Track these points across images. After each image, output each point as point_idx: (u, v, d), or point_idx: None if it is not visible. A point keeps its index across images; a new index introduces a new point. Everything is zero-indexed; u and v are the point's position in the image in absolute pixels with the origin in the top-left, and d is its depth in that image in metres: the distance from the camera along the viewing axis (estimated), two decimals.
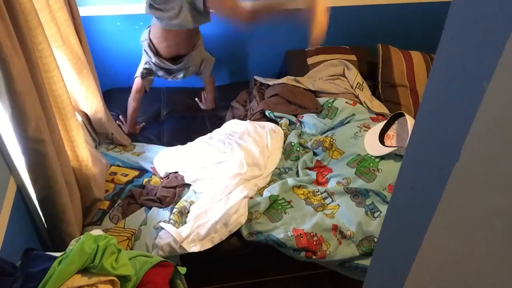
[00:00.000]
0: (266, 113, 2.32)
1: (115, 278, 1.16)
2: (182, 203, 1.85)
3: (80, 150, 1.67)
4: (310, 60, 2.59)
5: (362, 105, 2.34)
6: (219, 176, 1.94)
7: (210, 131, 2.23)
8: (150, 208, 1.86)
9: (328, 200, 1.88)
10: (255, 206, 1.80)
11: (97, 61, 2.20)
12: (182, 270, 1.39)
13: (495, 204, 0.56)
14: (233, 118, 2.35)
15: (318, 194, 1.91)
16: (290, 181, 1.93)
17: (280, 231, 1.71)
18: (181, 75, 2.23)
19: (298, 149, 2.12)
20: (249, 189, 1.86)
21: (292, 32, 2.65)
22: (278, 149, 2.11)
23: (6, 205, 1.35)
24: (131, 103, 2.26)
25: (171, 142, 2.24)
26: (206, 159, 2.02)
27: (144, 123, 2.41)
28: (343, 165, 1.97)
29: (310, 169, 2.05)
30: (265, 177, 1.98)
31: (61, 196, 1.50)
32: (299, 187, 1.93)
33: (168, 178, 1.99)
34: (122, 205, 1.86)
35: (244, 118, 2.35)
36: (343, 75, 2.50)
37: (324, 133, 2.22)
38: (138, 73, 2.21)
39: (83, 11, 2.24)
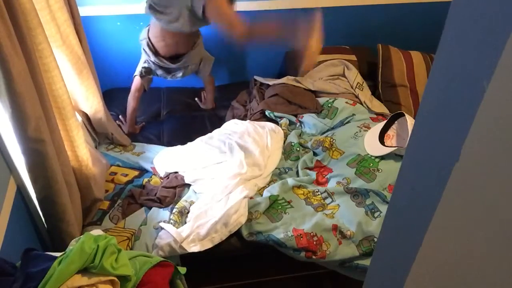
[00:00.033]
0: (266, 113, 2.32)
1: (115, 278, 1.16)
2: (182, 203, 1.85)
3: (80, 150, 1.67)
4: None
5: (362, 105, 2.34)
6: (219, 176, 1.94)
7: (210, 131, 2.23)
8: (150, 208, 1.86)
9: (328, 200, 1.88)
10: (255, 206, 1.80)
11: (97, 61, 2.20)
12: (182, 270, 1.39)
13: (495, 204, 0.56)
14: (233, 118, 2.35)
15: (318, 194, 1.91)
16: (290, 181, 1.93)
17: (280, 231, 1.71)
18: (180, 74, 2.23)
19: (298, 149, 2.12)
20: (249, 189, 1.86)
21: None
22: (278, 149, 2.11)
23: (6, 205, 1.35)
24: (131, 102, 2.26)
25: (171, 142, 2.24)
26: (206, 159, 2.02)
27: (143, 123, 2.41)
28: (343, 165, 1.97)
29: (310, 169, 2.05)
30: (265, 177, 1.98)
31: (61, 196, 1.50)
32: (299, 187, 1.93)
33: (168, 178, 1.99)
34: (122, 205, 1.86)
35: (244, 118, 2.35)
36: (343, 75, 2.50)
37: (324, 133, 2.22)
38: (137, 72, 2.21)
39: (83, 11, 2.24)
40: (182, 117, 2.46)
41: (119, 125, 2.30)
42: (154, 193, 1.91)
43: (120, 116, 2.38)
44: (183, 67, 2.20)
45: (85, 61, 1.85)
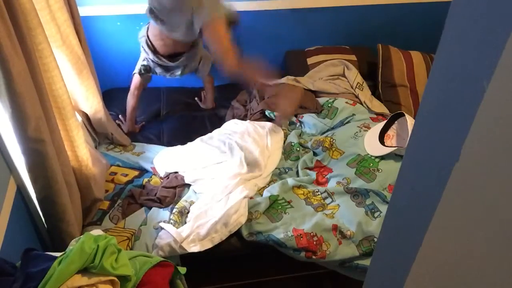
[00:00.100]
0: (266, 113, 2.32)
1: (115, 278, 1.16)
2: (182, 203, 1.85)
3: (80, 150, 1.67)
4: (310, 60, 2.59)
5: (362, 105, 2.34)
6: (219, 176, 1.94)
7: (210, 131, 2.23)
8: (150, 208, 1.86)
9: (328, 200, 1.88)
10: (255, 206, 1.80)
11: (97, 61, 2.20)
12: (182, 270, 1.39)
13: (495, 204, 0.56)
14: (233, 117, 2.35)
15: (318, 194, 1.91)
16: (290, 181, 1.93)
17: (280, 231, 1.71)
18: (178, 72, 2.22)
19: (298, 149, 2.12)
20: (249, 189, 1.86)
21: (292, 32, 2.65)
22: (278, 149, 2.11)
23: (6, 205, 1.35)
24: (130, 100, 2.26)
25: (171, 141, 2.24)
26: (206, 159, 2.02)
27: (143, 122, 2.41)
28: (343, 165, 1.97)
29: (310, 169, 2.05)
30: (265, 177, 1.98)
31: (61, 196, 1.50)
32: (299, 187, 1.93)
33: (168, 178, 1.99)
34: (122, 205, 1.86)
35: (244, 118, 2.35)
36: (343, 75, 2.50)
37: (324, 133, 2.22)
38: (137, 69, 2.21)
39: (83, 11, 2.24)
40: (182, 117, 2.46)
41: (118, 125, 2.30)
42: (154, 193, 1.91)
43: (120, 116, 2.38)
44: (181, 65, 2.20)
45: (85, 61, 1.85)
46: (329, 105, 2.30)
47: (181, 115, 2.48)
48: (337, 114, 2.25)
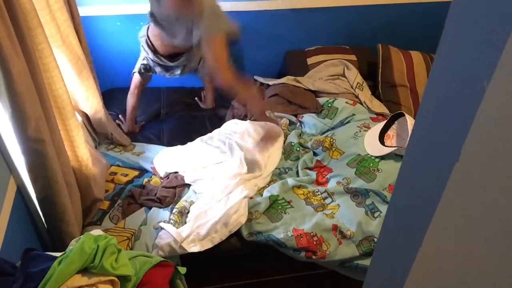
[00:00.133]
0: (266, 113, 2.31)
1: (115, 278, 1.16)
2: (182, 203, 1.85)
3: (80, 150, 1.67)
4: (310, 60, 2.59)
5: (362, 105, 2.34)
6: (219, 176, 1.94)
7: (210, 131, 2.23)
8: (150, 208, 1.86)
9: (328, 200, 1.88)
10: (255, 206, 1.80)
11: (97, 61, 2.20)
12: (182, 270, 1.39)
13: (495, 204, 0.56)
14: (233, 117, 2.35)
15: (318, 194, 1.91)
16: (290, 181, 1.93)
17: (280, 231, 1.71)
18: (178, 72, 2.22)
19: (298, 149, 2.12)
20: (249, 189, 1.86)
21: (292, 32, 2.65)
22: (278, 149, 2.11)
23: (6, 205, 1.35)
24: (130, 99, 2.26)
25: (171, 141, 2.24)
26: (206, 159, 2.02)
27: (143, 122, 2.41)
28: (343, 165, 1.97)
29: (310, 169, 2.05)
30: (265, 177, 1.98)
31: (61, 196, 1.50)
32: (299, 187, 1.93)
33: (168, 178, 1.99)
34: (122, 205, 1.86)
35: (244, 118, 2.35)
36: (343, 75, 2.50)
37: (324, 133, 2.22)
38: (136, 68, 2.21)
39: (83, 11, 2.24)
40: (182, 117, 2.46)
41: (118, 125, 2.30)
42: (154, 193, 1.91)
43: (119, 116, 2.38)
44: (181, 65, 2.20)
45: (85, 61, 1.85)
46: (329, 105, 2.30)
47: (181, 115, 2.48)
48: (337, 114, 2.25)
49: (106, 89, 2.54)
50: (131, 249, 1.69)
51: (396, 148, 1.90)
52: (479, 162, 0.51)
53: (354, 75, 2.45)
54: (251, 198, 1.86)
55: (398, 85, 2.47)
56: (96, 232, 1.30)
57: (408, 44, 2.63)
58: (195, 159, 2.01)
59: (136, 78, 2.23)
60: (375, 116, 2.24)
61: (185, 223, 1.77)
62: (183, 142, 2.16)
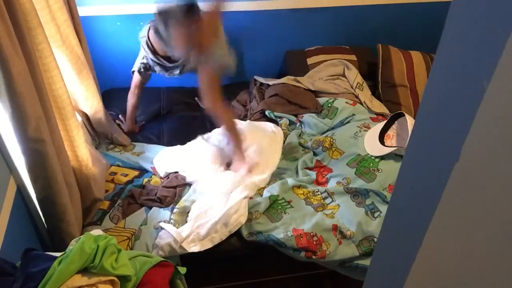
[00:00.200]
0: (266, 113, 2.32)
1: (115, 278, 1.16)
2: (182, 203, 1.85)
3: (80, 150, 1.67)
4: (310, 60, 2.59)
5: (362, 105, 2.34)
6: (219, 176, 1.94)
7: (210, 131, 2.23)
8: (150, 208, 1.86)
9: (328, 200, 1.88)
10: (255, 206, 1.80)
11: (97, 61, 2.20)
12: (182, 270, 1.39)
13: (495, 204, 0.56)
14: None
15: (318, 194, 1.91)
16: (290, 181, 1.93)
17: (280, 231, 1.71)
18: (177, 72, 2.23)
19: (297, 149, 2.12)
20: (249, 189, 1.86)
21: (292, 32, 2.65)
22: (278, 149, 2.11)
23: (6, 205, 1.35)
24: (131, 99, 2.26)
25: (171, 141, 2.24)
26: (206, 159, 2.02)
27: (143, 122, 2.41)
28: (343, 165, 1.97)
29: (310, 169, 2.05)
30: (265, 177, 1.98)
31: (61, 196, 1.50)
32: (299, 187, 1.93)
33: (168, 178, 1.99)
34: (122, 205, 1.86)
35: (244, 118, 2.35)
36: (343, 75, 2.50)
37: (324, 133, 2.22)
38: (136, 67, 2.21)
39: (83, 11, 2.24)
40: (182, 117, 2.46)
41: (118, 125, 2.30)
42: (154, 193, 1.91)
43: (119, 116, 2.38)
44: (180, 65, 2.20)
45: (85, 61, 1.85)
46: (329, 105, 2.30)
47: (181, 115, 2.48)
48: (337, 114, 2.25)
49: (106, 89, 2.54)
50: (131, 248, 1.69)
51: (396, 148, 1.90)
52: (479, 162, 0.51)
53: (354, 75, 2.45)
54: (251, 198, 1.86)
55: (398, 85, 2.47)
56: (96, 232, 1.30)
57: (408, 44, 2.63)
58: (195, 159, 2.01)
59: (136, 78, 2.23)
60: (375, 116, 2.24)
61: (186, 222, 1.77)
62: (183, 142, 2.16)
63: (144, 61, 2.17)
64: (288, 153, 2.12)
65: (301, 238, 1.69)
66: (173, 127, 2.38)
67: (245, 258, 1.89)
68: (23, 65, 1.25)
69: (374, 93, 2.51)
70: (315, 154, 2.12)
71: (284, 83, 2.42)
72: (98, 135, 2.16)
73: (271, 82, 2.48)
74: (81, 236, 1.22)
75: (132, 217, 1.82)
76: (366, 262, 1.70)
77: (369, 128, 2.07)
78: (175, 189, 1.93)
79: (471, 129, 0.48)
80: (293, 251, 1.70)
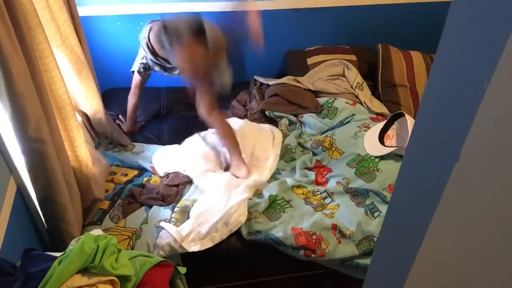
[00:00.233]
0: (266, 113, 2.32)
1: (115, 278, 1.16)
2: (183, 202, 1.85)
3: (80, 150, 1.67)
4: (310, 60, 2.59)
5: (362, 105, 2.34)
6: (218, 176, 1.94)
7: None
8: (150, 207, 1.86)
9: (328, 200, 1.88)
10: (255, 205, 1.80)
11: (97, 61, 2.20)
12: (182, 270, 1.39)
13: (495, 204, 0.56)
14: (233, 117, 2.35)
15: (318, 194, 1.91)
16: (289, 181, 1.93)
17: (279, 230, 1.72)
18: (176, 72, 2.23)
19: (294, 150, 2.12)
20: (249, 190, 1.86)
21: (292, 32, 2.65)
22: (277, 151, 2.11)
23: (6, 205, 1.35)
24: (131, 99, 2.26)
25: (171, 141, 2.24)
26: (204, 158, 2.02)
27: (143, 122, 2.41)
28: (343, 165, 1.97)
29: (310, 169, 2.05)
30: (265, 178, 1.97)
31: (61, 196, 1.50)
32: (298, 186, 1.93)
33: (167, 177, 1.99)
34: (123, 204, 1.86)
35: (244, 118, 2.35)
36: (343, 75, 2.50)
37: (324, 133, 2.22)
38: (136, 67, 2.21)
39: (83, 11, 2.24)
40: (182, 117, 2.46)
41: (118, 125, 2.30)
42: (155, 192, 1.91)
43: (120, 116, 2.38)
44: None
45: (85, 61, 1.85)
46: (329, 105, 2.30)
47: (181, 115, 2.48)
48: (337, 114, 2.25)
49: (106, 89, 2.54)
50: (132, 248, 1.69)
51: (396, 148, 1.90)
52: (479, 162, 0.51)
53: (354, 75, 2.45)
54: (250, 199, 1.86)
55: (398, 85, 2.47)
56: (96, 232, 1.30)
57: (408, 44, 2.63)
58: (194, 158, 2.02)
59: (136, 77, 2.23)
60: (375, 116, 2.24)
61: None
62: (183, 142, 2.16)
63: (144, 61, 2.17)
64: (286, 153, 2.12)
65: (300, 237, 1.69)
66: (173, 127, 2.38)
67: (245, 258, 1.89)
68: (23, 65, 1.25)
69: (374, 93, 2.51)
70: (314, 154, 2.12)
71: (284, 83, 2.42)
72: (98, 135, 2.16)
73: (271, 82, 2.48)
74: (81, 236, 1.22)
75: (132, 216, 1.82)
76: (366, 261, 1.70)
77: (369, 128, 2.07)
78: (177, 187, 1.93)
79: (471, 129, 0.48)
80: (292, 250, 1.70)
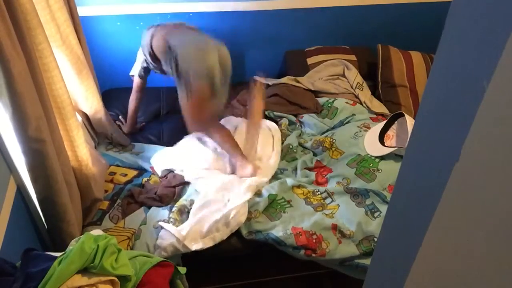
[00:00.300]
0: (266, 113, 2.32)
1: (115, 278, 1.16)
2: (181, 202, 1.85)
3: (80, 150, 1.67)
4: (310, 60, 2.59)
5: (362, 105, 2.34)
6: (219, 175, 1.94)
7: None
8: (149, 207, 1.86)
9: (328, 200, 1.88)
10: (254, 205, 1.80)
11: (97, 61, 2.20)
12: (182, 270, 1.38)
13: (495, 204, 0.56)
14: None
15: (318, 194, 1.91)
16: (289, 181, 1.93)
17: (279, 230, 1.72)
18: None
19: (295, 150, 2.12)
20: (251, 190, 1.86)
21: (292, 32, 2.65)
22: (278, 152, 2.11)
23: (6, 205, 1.35)
24: (132, 103, 2.26)
25: (171, 142, 2.24)
26: (204, 159, 2.02)
27: (144, 123, 2.40)
28: (343, 165, 1.97)
29: (310, 169, 2.05)
30: (265, 180, 1.97)
31: (61, 196, 1.50)
32: (298, 186, 1.93)
33: (166, 178, 1.99)
34: (122, 204, 1.86)
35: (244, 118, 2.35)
36: (343, 75, 2.50)
37: (324, 133, 2.22)
38: (136, 72, 2.20)
39: (83, 11, 2.24)
40: (182, 117, 2.45)
41: (118, 126, 2.30)
42: (154, 192, 1.91)
43: (120, 117, 2.38)
44: None
45: (85, 61, 1.85)
46: (329, 105, 2.30)
47: (181, 115, 2.47)
48: (337, 114, 2.25)
49: (106, 89, 2.54)
50: (131, 248, 1.69)
51: (396, 148, 1.90)
52: (479, 162, 0.51)
53: (354, 75, 2.45)
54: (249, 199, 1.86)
55: (398, 85, 2.47)
56: (96, 232, 1.30)
57: (408, 44, 2.63)
58: (194, 159, 2.02)
59: (137, 81, 2.22)
60: (375, 116, 2.24)
61: (186, 221, 1.77)
62: None
63: (144, 65, 2.17)
64: (287, 153, 2.12)
65: (300, 236, 1.69)
66: (173, 127, 2.38)
67: (245, 258, 1.89)
68: (23, 65, 1.25)
69: (374, 93, 2.51)
70: (315, 154, 2.12)
71: (284, 83, 2.42)
72: (98, 135, 2.16)
73: (271, 82, 2.48)
74: (81, 236, 1.22)
75: (131, 217, 1.82)
76: (367, 261, 1.70)
77: (369, 128, 2.07)
78: (175, 188, 1.93)
79: (471, 129, 0.48)
80: (292, 249, 1.70)
